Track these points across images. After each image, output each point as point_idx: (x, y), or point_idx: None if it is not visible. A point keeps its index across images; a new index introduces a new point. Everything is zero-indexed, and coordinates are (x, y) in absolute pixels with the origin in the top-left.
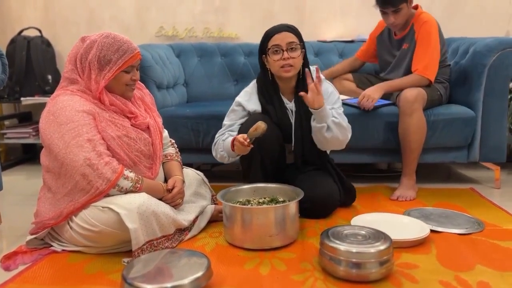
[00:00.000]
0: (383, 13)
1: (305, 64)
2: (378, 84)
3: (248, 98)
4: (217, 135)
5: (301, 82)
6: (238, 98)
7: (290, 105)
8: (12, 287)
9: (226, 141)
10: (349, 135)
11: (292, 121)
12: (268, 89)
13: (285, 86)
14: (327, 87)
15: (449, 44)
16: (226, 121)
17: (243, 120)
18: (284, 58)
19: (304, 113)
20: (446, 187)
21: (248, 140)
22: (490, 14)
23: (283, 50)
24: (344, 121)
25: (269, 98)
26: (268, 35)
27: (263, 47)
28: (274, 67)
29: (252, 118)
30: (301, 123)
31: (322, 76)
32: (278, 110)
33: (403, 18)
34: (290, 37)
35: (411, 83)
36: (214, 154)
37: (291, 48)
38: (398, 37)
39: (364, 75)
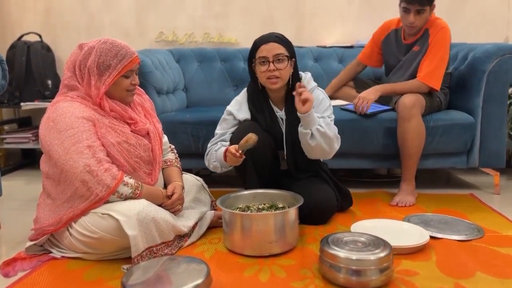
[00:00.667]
0: (405, 10)
1: (295, 73)
2: (375, 87)
3: (238, 107)
4: (209, 145)
5: (291, 91)
6: (229, 107)
7: (281, 113)
8: None
9: (219, 152)
10: (337, 146)
11: (283, 129)
12: (258, 98)
13: (275, 95)
14: (318, 94)
15: None
16: (218, 130)
17: (234, 129)
18: (270, 70)
19: (295, 121)
20: (445, 192)
21: (240, 152)
22: (489, 20)
23: (269, 62)
24: (331, 131)
25: (259, 107)
26: (255, 45)
27: (251, 57)
28: (261, 78)
29: (242, 126)
30: (292, 131)
31: (313, 83)
32: (268, 119)
33: (422, 22)
34: (278, 48)
35: (409, 89)
36: (206, 164)
37: (278, 60)
38: (408, 41)
39: (363, 80)
